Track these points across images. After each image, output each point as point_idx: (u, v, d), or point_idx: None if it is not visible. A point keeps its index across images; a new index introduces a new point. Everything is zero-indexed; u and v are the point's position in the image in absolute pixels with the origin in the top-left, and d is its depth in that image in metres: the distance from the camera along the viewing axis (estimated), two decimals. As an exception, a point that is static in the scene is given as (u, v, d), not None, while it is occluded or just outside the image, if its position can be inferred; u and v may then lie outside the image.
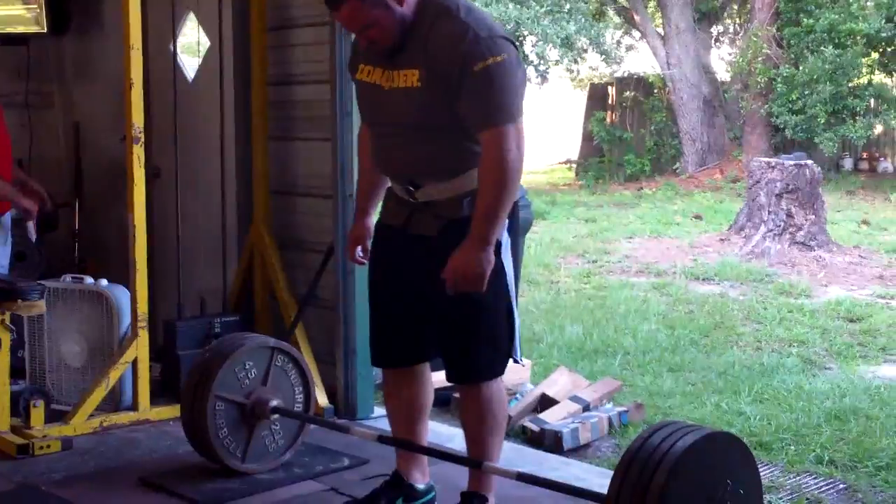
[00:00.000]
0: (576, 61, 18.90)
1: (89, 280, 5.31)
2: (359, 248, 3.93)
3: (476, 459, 3.69)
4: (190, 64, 6.24)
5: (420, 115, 3.48)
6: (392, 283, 3.74)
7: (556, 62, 18.61)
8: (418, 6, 3.47)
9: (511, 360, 3.70)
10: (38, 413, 4.73)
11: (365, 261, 3.94)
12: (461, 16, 3.42)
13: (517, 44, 3.52)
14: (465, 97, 3.39)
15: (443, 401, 5.38)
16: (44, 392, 5.13)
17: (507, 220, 3.54)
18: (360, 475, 4.27)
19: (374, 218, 3.97)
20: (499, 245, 3.53)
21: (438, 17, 3.43)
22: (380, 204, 3.98)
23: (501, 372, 3.69)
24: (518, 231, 3.73)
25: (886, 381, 6.21)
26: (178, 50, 5.93)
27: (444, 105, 3.43)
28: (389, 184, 3.79)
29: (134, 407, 5.04)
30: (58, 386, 5.33)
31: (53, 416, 4.91)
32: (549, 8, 17.09)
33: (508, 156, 3.37)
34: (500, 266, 3.52)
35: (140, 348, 4.99)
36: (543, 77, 18.43)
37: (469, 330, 3.58)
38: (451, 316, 3.58)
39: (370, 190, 3.92)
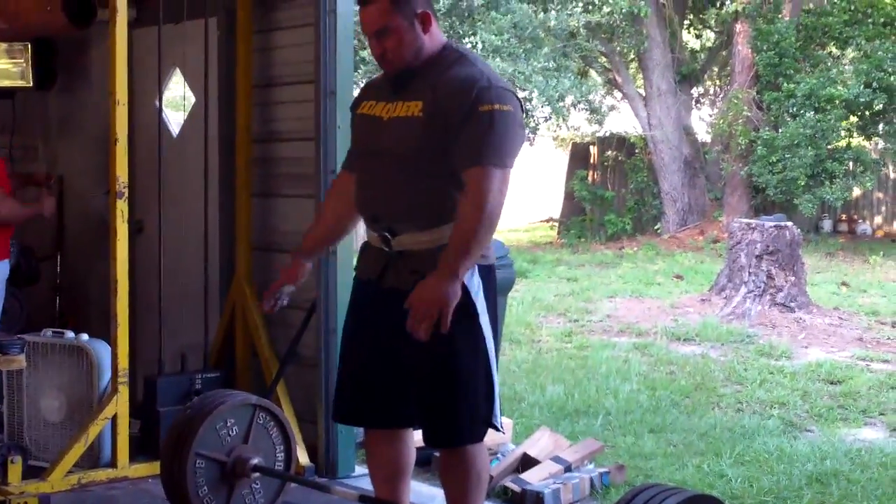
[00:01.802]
0: (564, 119, 19.02)
1: (70, 335, 5.29)
2: (282, 290, 3.92)
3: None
4: (175, 119, 6.28)
5: (414, 146, 3.49)
6: (366, 341, 3.70)
7: (546, 119, 18.74)
8: (440, 49, 3.56)
9: (491, 427, 3.64)
10: (15, 469, 4.68)
11: (273, 305, 3.94)
12: (479, 65, 3.53)
13: (524, 106, 3.60)
14: (463, 133, 3.41)
15: (424, 460, 5.34)
16: (22, 448, 5.09)
17: (481, 281, 3.54)
18: (339, 535, 4.25)
19: (309, 265, 3.98)
20: (473, 307, 3.52)
21: (457, 61, 3.52)
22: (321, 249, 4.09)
23: (480, 438, 3.64)
24: (496, 292, 3.72)
25: (867, 444, 6.21)
26: (164, 105, 5.95)
27: (440, 142, 3.45)
28: (349, 237, 3.83)
29: (113, 464, 5.00)
30: (36, 441, 5.28)
31: (31, 473, 4.86)
32: (543, 64, 17.21)
33: (490, 196, 3.37)
34: (477, 329, 3.51)
35: (120, 404, 4.96)
36: (534, 133, 18.56)
37: (446, 393, 3.54)
38: (427, 377, 3.55)
39: (322, 234, 3.97)
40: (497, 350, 3.66)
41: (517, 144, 3.49)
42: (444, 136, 3.45)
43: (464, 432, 3.59)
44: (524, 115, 3.59)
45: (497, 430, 3.67)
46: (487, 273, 3.61)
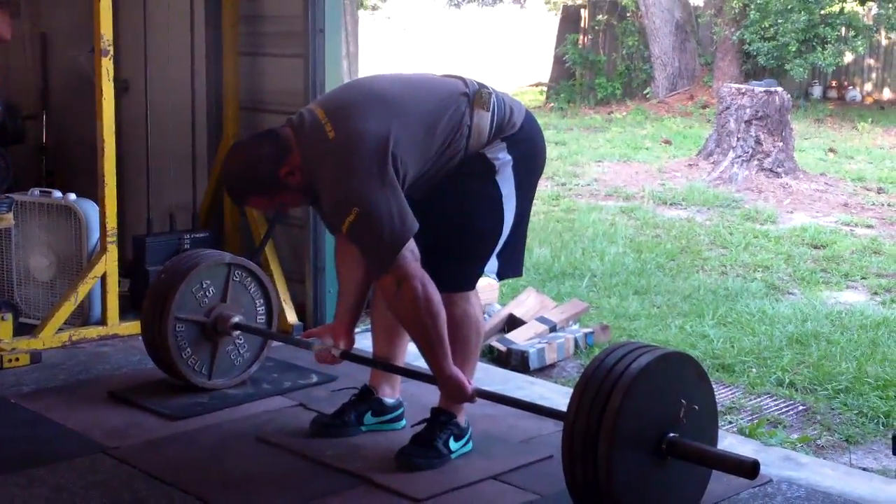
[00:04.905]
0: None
1: (57, 194, 5.29)
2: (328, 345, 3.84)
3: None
4: (159, -24, 6.15)
5: None
6: None
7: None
8: (301, 160, 3.49)
9: (496, 277, 3.80)
10: (6, 326, 4.73)
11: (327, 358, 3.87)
12: (323, 170, 3.45)
13: (376, 145, 3.41)
14: None
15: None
16: (12, 305, 5.13)
17: (504, 144, 3.62)
18: (328, 391, 4.32)
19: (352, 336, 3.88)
20: (493, 169, 3.60)
21: (314, 173, 3.48)
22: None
23: (470, 287, 3.71)
24: (530, 157, 3.73)
25: (848, 306, 6.30)
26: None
27: None
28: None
29: (103, 322, 5.05)
30: (26, 300, 5.33)
31: (22, 330, 4.92)
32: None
33: (397, 302, 3.43)
34: (495, 188, 3.61)
35: (109, 263, 4.99)
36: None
37: (453, 240, 3.61)
38: (439, 225, 3.59)
39: (350, 310, 3.85)
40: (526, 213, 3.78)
41: (385, 231, 3.36)
42: None
43: (456, 279, 3.63)
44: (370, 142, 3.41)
45: (505, 277, 3.86)
46: (515, 144, 3.66)
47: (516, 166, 3.66)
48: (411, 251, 3.40)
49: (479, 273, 3.74)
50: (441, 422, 3.70)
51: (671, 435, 3.13)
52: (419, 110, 3.54)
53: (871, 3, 17.94)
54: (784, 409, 4.66)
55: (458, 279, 3.66)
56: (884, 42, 18.86)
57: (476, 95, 3.61)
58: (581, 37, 20.27)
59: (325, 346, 3.82)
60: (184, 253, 4.64)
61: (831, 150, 13.07)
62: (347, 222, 3.38)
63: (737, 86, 11.52)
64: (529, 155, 3.72)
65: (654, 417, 3.12)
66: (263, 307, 4.49)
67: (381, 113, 3.47)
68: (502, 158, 3.64)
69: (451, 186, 3.62)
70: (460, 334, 3.64)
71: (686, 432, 3.15)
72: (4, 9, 5.49)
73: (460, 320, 3.64)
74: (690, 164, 11.50)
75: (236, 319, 4.31)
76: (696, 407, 3.18)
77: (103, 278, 5.00)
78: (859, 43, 17.21)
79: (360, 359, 3.92)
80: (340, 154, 3.42)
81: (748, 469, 3.08)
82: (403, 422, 3.97)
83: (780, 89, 10.94)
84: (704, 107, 17.06)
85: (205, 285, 4.30)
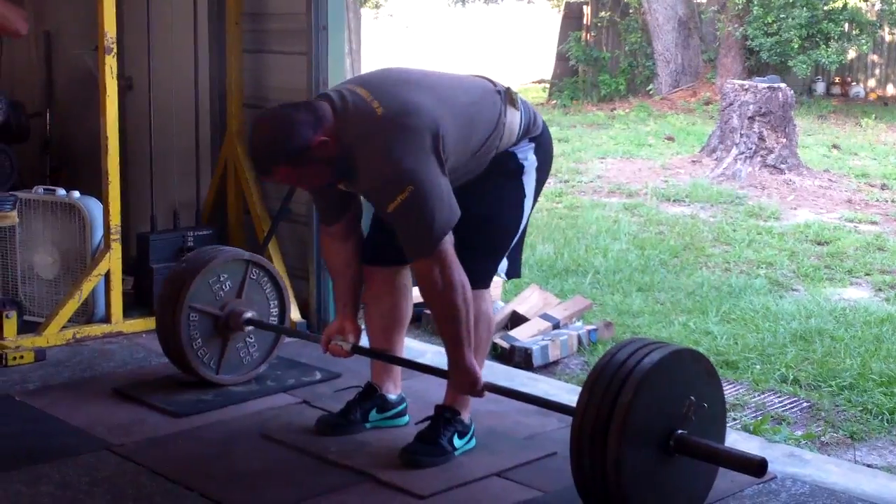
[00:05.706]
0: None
1: (61, 192, 5.30)
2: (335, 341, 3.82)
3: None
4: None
5: None
6: None
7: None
8: (338, 134, 3.37)
9: (505, 276, 3.81)
10: (10, 324, 4.74)
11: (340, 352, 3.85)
12: (371, 145, 3.35)
13: (428, 123, 3.34)
14: (390, 223, 3.44)
15: (415, 317, 5.41)
16: (16, 303, 5.13)
17: (532, 144, 3.66)
18: (332, 388, 4.33)
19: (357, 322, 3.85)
20: (521, 169, 3.64)
21: (355, 149, 3.37)
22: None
23: (486, 284, 3.72)
24: (549, 160, 3.78)
25: (852, 303, 6.30)
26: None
27: None
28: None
29: (107, 319, 5.06)
30: (30, 297, 5.33)
31: (26, 328, 4.93)
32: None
33: (436, 287, 3.37)
34: (521, 188, 3.65)
35: (113, 261, 5.00)
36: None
37: (475, 237, 3.58)
38: (464, 226, 3.51)
39: (351, 294, 3.81)
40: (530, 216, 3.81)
41: (436, 213, 3.31)
42: None
43: (477, 275, 3.60)
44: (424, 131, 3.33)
45: (510, 277, 3.86)
46: (539, 146, 3.71)
47: (538, 170, 3.72)
48: (450, 237, 3.38)
49: (496, 270, 3.75)
50: (445, 419, 3.70)
51: (679, 432, 3.13)
52: (461, 101, 3.52)
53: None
54: (788, 406, 4.66)
55: (479, 275, 3.64)
56: (887, 38, 18.85)
57: (507, 93, 3.62)
58: (584, 33, 20.25)
59: (335, 340, 3.83)
60: (205, 246, 4.66)
61: (835, 146, 13.05)
62: (399, 200, 3.29)
63: (740, 82, 11.51)
64: (546, 160, 3.79)
65: (663, 413, 3.12)
66: (277, 308, 4.51)
67: (429, 94, 3.44)
68: (530, 160, 3.68)
69: (480, 182, 3.62)
70: (475, 330, 3.65)
71: (694, 429, 3.15)
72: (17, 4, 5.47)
73: (476, 317, 3.63)
74: (694, 161, 11.49)
75: (249, 315, 4.32)
76: (706, 404, 3.18)
77: (107, 276, 5.01)
78: (863, 41, 17.19)
79: (370, 352, 3.94)
80: (392, 129, 3.33)
81: (756, 467, 3.08)
82: (407, 417, 3.98)
83: (783, 85, 10.93)
84: (708, 103, 17.04)
85: (222, 279, 4.32)
